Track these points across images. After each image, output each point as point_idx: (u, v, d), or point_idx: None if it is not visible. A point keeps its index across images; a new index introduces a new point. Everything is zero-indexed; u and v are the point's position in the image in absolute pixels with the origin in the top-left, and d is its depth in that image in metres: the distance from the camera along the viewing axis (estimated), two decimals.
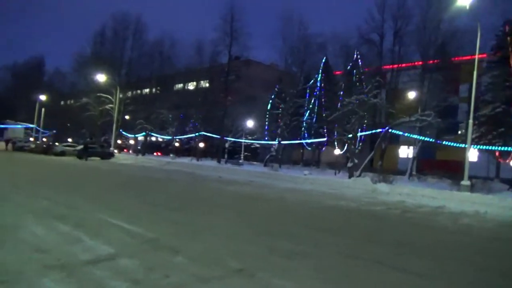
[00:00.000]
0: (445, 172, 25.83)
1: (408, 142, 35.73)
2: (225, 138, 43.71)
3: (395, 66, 33.35)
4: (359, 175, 23.69)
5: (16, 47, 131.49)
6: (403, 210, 11.78)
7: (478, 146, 26.05)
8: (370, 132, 28.55)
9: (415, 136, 28.42)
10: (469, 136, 16.89)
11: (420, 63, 32.07)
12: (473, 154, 28.35)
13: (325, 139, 38.08)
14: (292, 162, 44.68)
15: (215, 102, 44.37)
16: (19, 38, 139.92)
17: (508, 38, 25.91)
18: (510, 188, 21.21)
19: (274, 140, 41.34)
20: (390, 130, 25.13)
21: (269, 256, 4.94)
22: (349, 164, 24.38)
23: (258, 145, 48.33)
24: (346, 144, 29.79)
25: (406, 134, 28.58)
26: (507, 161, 26.38)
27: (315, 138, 40.14)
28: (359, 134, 27.25)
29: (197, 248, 5.14)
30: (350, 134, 25.33)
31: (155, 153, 55.48)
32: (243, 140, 44.06)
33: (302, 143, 41.78)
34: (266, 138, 43.17)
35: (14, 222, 5.94)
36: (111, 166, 26.52)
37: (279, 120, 41.12)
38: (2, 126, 55.51)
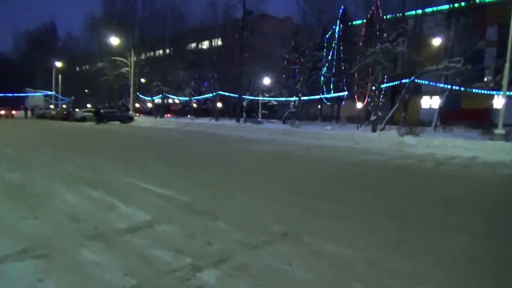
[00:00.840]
0: (470, 121, 24.83)
1: (431, 92, 34.36)
2: (242, 96, 42.99)
3: (420, 10, 31.29)
4: (383, 128, 23.10)
5: (26, 11, 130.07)
6: (435, 162, 11.35)
7: (510, 93, 24.69)
8: (394, 83, 27.34)
9: (442, 85, 27.04)
10: (505, 82, 15.90)
11: (446, 6, 29.96)
12: (500, 101, 27.16)
13: (345, 93, 37.01)
14: (311, 118, 43.97)
15: (230, 59, 43.29)
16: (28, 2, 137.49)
17: None
18: None
19: (292, 96, 40.43)
20: (416, 80, 23.96)
21: (312, 219, 4.67)
22: (373, 117, 23.66)
23: (275, 103, 47.51)
24: (368, 97, 28.85)
25: (433, 84, 27.20)
26: None
27: (334, 92, 39.10)
28: (383, 86, 26.11)
29: (235, 211, 4.92)
30: (372, 86, 24.34)
31: (167, 115, 54.41)
32: (261, 98, 43.31)
33: (320, 98, 40.80)
34: (284, 95, 42.27)
35: (45, 190, 5.83)
36: (131, 129, 26.60)
37: (297, 76, 40.01)
38: (22, 94, 56.04)
